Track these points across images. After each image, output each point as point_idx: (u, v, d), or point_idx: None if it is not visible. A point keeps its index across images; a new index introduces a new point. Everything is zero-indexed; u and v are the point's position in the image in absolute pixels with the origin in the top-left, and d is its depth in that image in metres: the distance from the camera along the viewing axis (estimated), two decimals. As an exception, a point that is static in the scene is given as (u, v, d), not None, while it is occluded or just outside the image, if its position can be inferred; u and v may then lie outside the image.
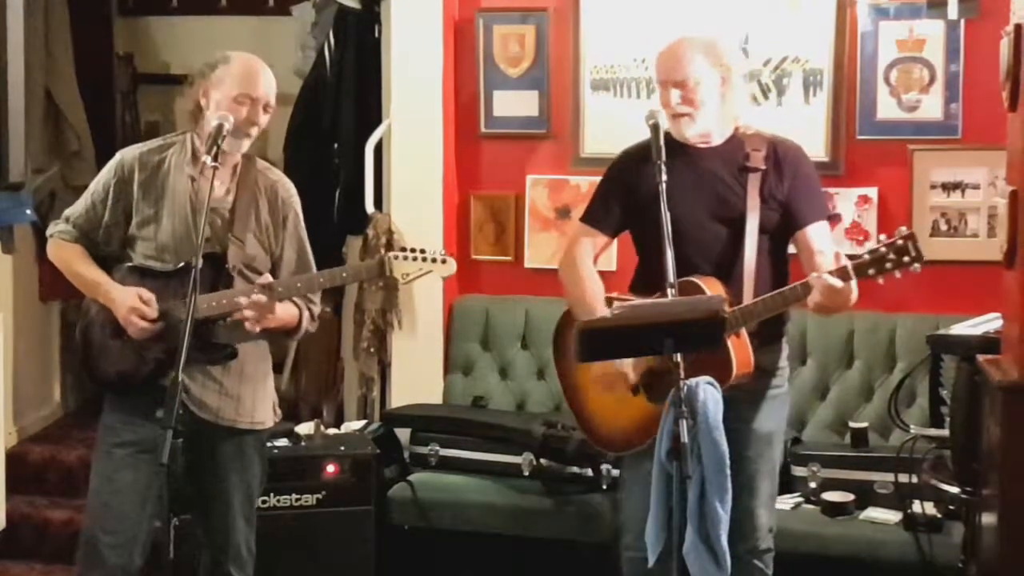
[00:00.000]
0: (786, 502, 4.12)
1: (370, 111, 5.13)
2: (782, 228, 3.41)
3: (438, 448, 4.59)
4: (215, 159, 3.16)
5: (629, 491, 3.49)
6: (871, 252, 3.02)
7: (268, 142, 5.48)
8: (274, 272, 3.40)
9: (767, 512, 3.46)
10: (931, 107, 4.51)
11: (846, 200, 4.58)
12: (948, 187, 4.51)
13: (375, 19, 5.15)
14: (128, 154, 3.41)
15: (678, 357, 2.89)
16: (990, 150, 4.19)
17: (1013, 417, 2.96)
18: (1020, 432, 2.96)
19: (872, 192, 4.57)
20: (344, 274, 3.64)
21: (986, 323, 3.55)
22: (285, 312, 3.37)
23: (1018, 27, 3.06)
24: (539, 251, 4.94)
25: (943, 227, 4.52)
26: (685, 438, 2.83)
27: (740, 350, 3.24)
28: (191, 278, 3.02)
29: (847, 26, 4.55)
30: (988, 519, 3.16)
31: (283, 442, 4.35)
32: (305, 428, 4.53)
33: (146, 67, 6.69)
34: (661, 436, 3.17)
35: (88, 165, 5.54)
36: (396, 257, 3.35)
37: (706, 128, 3.40)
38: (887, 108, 4.55)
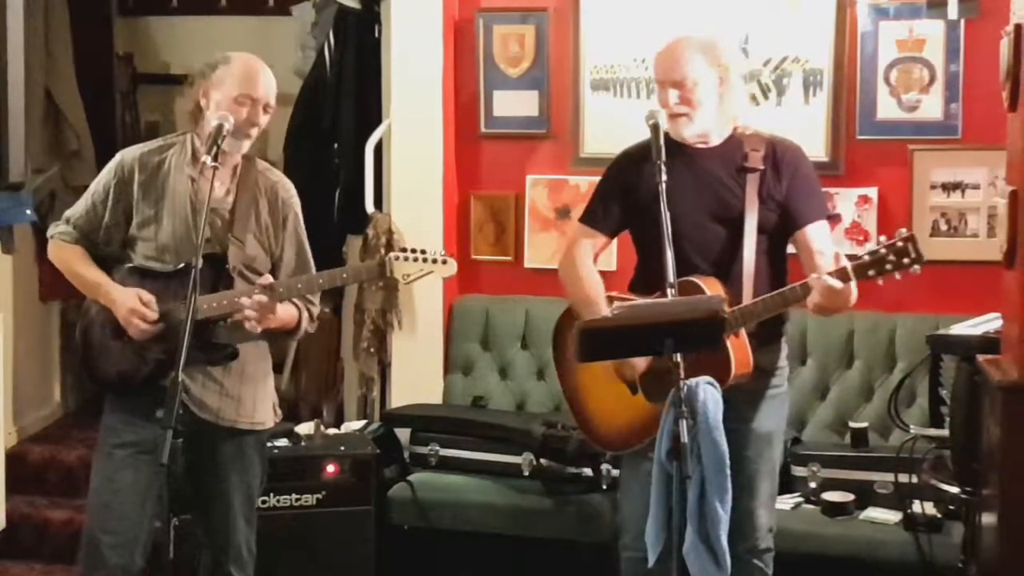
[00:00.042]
0: (786, 502, 4.12)
1: (370, 111, 5.13)
2: (781, 228, 3.41)
3: (438, 448, 4.58)
4: (215, 159, 3.16)
5: (628, 491, 3.49)
6: (871, 253, 3.02)
7: (268, 142, 5.48)
8: (274, 272, 3.40)
9: (767, 512, 3.47)
10: (931, 107, 4.51)
11: (846, 200, 4.58)
12: (948, 187, 4.51)
13: (375, 19, 5.14)
14: (128, 155, 3.40)
15: (678, 357, 2.89)
16: (990, 150, 4.19)
17: (1013, 417, 2.96)
18: (1020, 432, 2.96)
19: (872, 192, 4.57)
20: (344, 275, 3.65)
21: (986, 323, 3.55)
22: (285, 312, 3.37)
23: (1018, 27, 3.06)
24: (539, 251, 4.93)
25: (943, 227, 4.52)
26: (685, 438, 2.83)
27: (739, 350, 3.24)
28: (191, 279, 3.02)
29: (847, 26, 4.55)
30: (988, 519, 3.16)
31: (283, 442, 4.35)
32: (305, 428, 4.53)
33: (146, 67, 6.69)
34: (661, 436, 3.17)
35: (88, 165, 5.54)
36: (397, 258, 3.35)
37: (704, 128, 3.40)
38: (887, 108, 4.55)
